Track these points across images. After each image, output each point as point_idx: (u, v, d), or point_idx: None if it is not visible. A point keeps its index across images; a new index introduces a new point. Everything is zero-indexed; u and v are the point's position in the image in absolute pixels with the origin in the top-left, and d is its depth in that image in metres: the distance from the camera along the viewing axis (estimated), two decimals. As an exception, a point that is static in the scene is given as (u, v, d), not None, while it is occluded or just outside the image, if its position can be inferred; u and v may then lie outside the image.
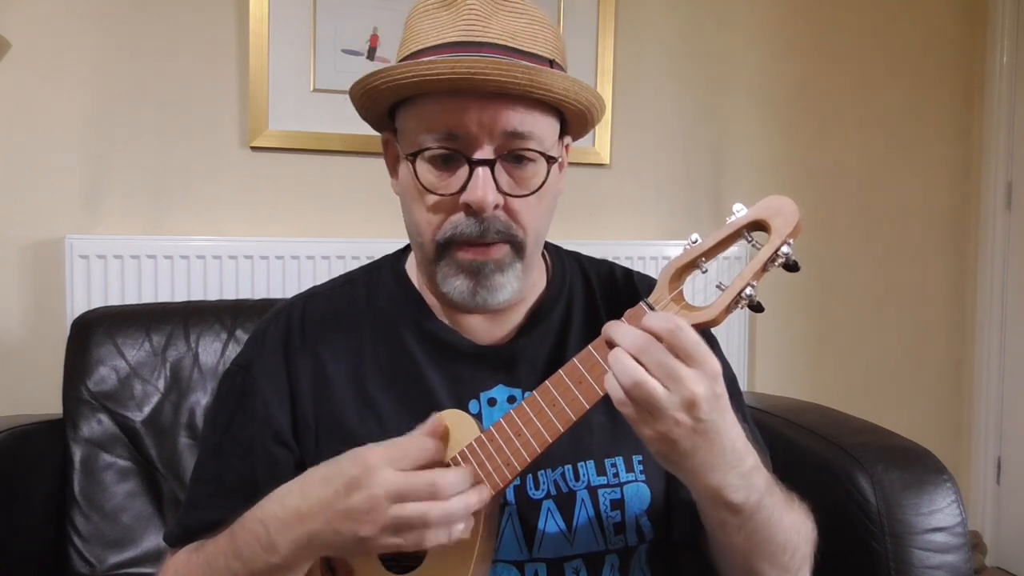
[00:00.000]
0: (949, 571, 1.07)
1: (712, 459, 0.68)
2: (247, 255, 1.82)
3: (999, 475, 2.53)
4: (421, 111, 0.80)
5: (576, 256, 0.98)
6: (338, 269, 1.65)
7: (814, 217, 2.28)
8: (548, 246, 0.94)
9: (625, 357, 0.66)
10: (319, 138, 1.89)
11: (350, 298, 0.92)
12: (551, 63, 0.81)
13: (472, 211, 0.78)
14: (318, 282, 0.98)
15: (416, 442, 0.71)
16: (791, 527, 0.78)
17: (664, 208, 2.22)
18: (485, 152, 0.78)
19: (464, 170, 0.78)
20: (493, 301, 0.82)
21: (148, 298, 1.74)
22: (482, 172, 0.78)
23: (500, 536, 0.82)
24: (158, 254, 1.76)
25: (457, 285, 0.82)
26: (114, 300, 1.71)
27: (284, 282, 1.83)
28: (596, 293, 0.93)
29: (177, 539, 0.88)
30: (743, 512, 0.72)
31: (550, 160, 0.81)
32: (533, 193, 0.81)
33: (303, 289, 0.97)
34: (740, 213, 0.71)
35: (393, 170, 0.89)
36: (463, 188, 0.78)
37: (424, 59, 0.78)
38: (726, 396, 0.68)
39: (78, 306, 1.68)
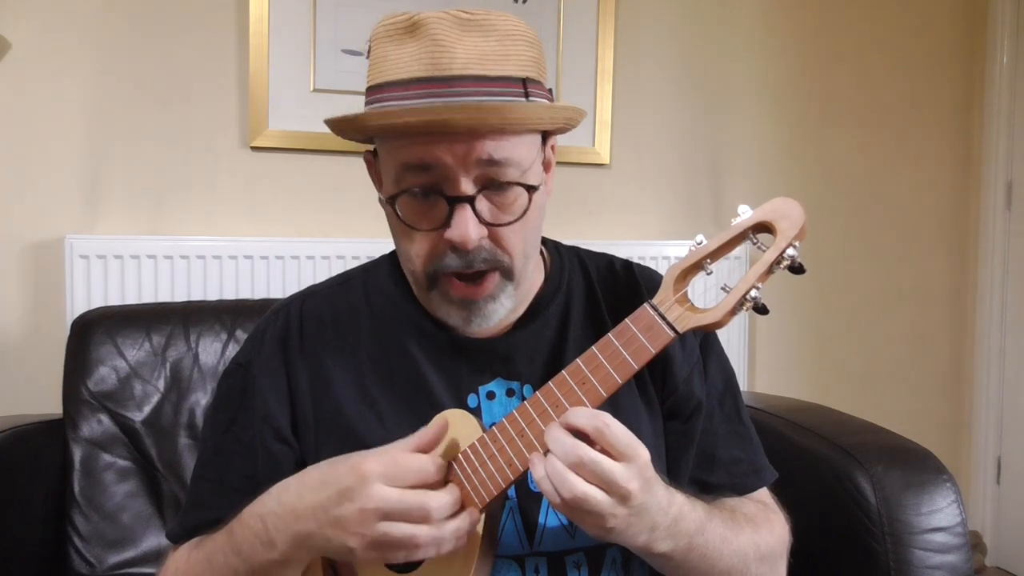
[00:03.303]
0: (949, 571, 1.07)
1: (640, 528, 0.71)
2: (247, 255, 1.82)
3: (999, 475, 2.53)
4: (394, 150, 0.79)
5: (575, 250, 0.97)
6: (338, 269, 1.65)
7: (814, 217, 2.24)
8: (546, 242, 0.94)
9: (565, 471, 0.67)
10: (319, 138, 1.88)
11: (348, 296, 0.92)
12: (524, 81, 0.78)
13: (456, 246, 0.78)
14: (317, 282, 0.98)
15: (416, 462, 0.71)
16: (738, 551, 0.79)
17: (664, 208, 2.22)
18: (464, 186, 0.76)
19: (444, 204, 0.77)
20: (487, 325, 0.84)
21: (148, 298, 1.74)
22: (462, 209, 0.77)
23: (501, 531, 0.82)
24: (158, 254, 1.76)
25: (451, 315, 0.83)
26: (114, 300, 1.71)
27: (284, 282, 1.83)
28: (596, 286, 0.93)
29: (179, 537, 0.89)
30: (674, 557, 0.75)
31: (531, 189, 0.80)
32: (516, 220, 0.80)
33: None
34: (745, 215, 0.71)
35: (379, 185, 0.88)
36: (445, 223, 0.77)
37: (391, 100, 0.76)
38: (654, 475, 0.70)
39: (78, 306, 1.67)
